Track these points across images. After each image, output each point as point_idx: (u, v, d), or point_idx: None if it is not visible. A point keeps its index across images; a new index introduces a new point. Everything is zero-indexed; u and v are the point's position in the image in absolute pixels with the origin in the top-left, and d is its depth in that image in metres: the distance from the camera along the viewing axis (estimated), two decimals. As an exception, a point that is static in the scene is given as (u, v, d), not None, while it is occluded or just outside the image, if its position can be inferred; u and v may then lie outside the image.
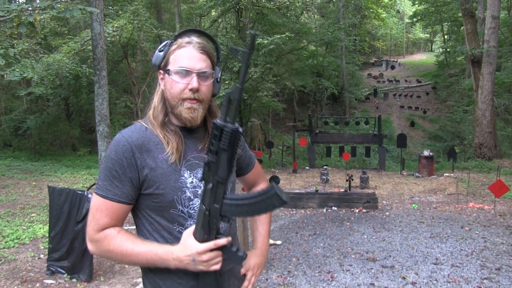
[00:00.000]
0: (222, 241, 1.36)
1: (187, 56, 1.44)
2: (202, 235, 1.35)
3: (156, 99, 1.51)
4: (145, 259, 1.38)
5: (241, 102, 16.20)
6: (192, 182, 1.46)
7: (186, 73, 1.43)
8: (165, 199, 1.42)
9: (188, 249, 1.34)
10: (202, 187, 1.36)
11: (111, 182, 1.40)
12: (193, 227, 1.38)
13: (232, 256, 1.40)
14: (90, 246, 1.45)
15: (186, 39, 1.47)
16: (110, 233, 1.41)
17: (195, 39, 1.47)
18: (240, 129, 1.27)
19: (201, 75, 1.44)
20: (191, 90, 1.42)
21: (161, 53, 1.47)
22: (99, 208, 1.41)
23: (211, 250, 1.34)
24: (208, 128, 1.54)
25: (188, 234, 1.37)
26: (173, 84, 1.44)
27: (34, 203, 8.60)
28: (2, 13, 5.60)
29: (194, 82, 1.42)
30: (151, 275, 1.48)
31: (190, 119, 1.45)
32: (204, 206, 1.33)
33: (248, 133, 18.26)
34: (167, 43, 1.48)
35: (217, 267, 1.37)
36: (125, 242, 1.39)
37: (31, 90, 13.60)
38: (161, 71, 1.49)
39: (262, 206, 1.32)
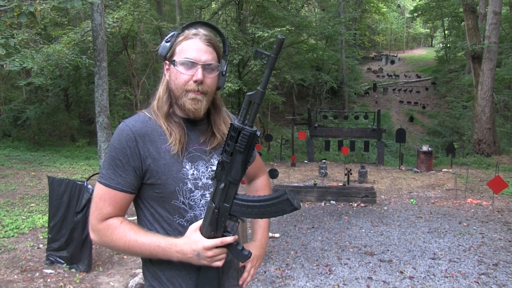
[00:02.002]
0: (229, 239, 1.37)
1: (193, 47, 1.43)
2: (209, 232, 1.36)
3: (161, 90, 1.51)
4: (148, 250, 1.38)
5: (240, 95, 16.19)
6: (193, 174, 1.46)
7: (192, 64, 1.43)
8: (167, 190, 1.42)
9: (194, 243, 1.35)
10: (213, 185, 1.37)
11: (115, 171, 1.40)
12: (199, 222, 1.38)
13: (237, 254, 1.41)
14: (92, 235, 1.45)
15: (193, 30, 1.46)
16: (113, 223, 1.41)
17: (202, 31, 1.47)
18: (258, 133, 1.28)
19: (206, 68, 1.44)
20: (195, 82, 1.42)
21: (168, 44, 1.46)
22: (103, 197, 1.41)
23: (217, 247, 1.35)
24: (211, 121, 1.54)
25: (194, 229, 1.38)
26: (178, 75, 1.44)
27: (33, 193, 8.61)
28: (3, 3, 5.58)
29: (199, 74, 1.42)
30: (151, 266, 1.49)
31: (194, 111, 1.45)
32: (213, 204, 1.35)
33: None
34: (173, 34, 1.47)
35: (219, 263, 1.38)
36: (128, 232, 1.39)
37: (31, 80, 13.55)
38: (167, 62, 1.48)
39: (273, 210, 1.34)
